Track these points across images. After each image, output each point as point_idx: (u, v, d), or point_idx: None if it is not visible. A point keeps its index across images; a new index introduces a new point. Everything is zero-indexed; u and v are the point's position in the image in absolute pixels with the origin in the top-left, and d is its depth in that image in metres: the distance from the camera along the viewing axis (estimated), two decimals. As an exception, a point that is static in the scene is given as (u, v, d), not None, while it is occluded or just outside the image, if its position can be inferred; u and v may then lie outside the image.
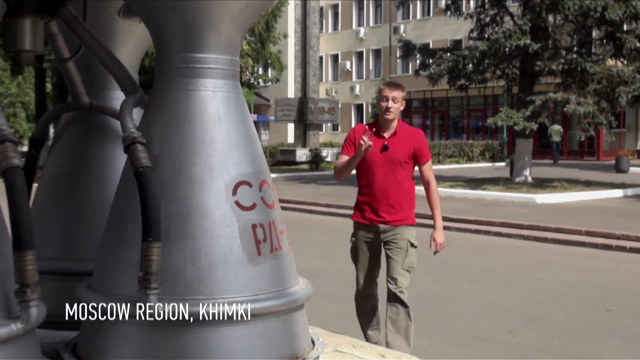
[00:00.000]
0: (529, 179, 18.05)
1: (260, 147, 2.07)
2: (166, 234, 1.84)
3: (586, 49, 19.12)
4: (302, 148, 27.68)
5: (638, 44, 17.21)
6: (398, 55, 32.82)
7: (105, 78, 2.23)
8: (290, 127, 38.18)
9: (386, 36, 42.68)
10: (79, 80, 2.44)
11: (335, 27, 47.15)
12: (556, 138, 30.37)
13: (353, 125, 35.70)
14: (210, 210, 1.88)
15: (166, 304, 1.79)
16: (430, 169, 4.77)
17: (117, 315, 1.86)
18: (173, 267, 1.83)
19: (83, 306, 1.99)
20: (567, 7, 16.35)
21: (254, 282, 1.88)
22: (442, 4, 26.24)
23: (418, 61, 20.29)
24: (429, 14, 41.22)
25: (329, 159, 27.43)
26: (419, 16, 41.88)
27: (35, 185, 2.67)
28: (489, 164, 30.39)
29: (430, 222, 4.82)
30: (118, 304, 1.86)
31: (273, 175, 23.72)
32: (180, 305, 1.81)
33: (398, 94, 4.61)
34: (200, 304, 1.82)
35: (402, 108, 4.66)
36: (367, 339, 4.64)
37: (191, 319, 1.81)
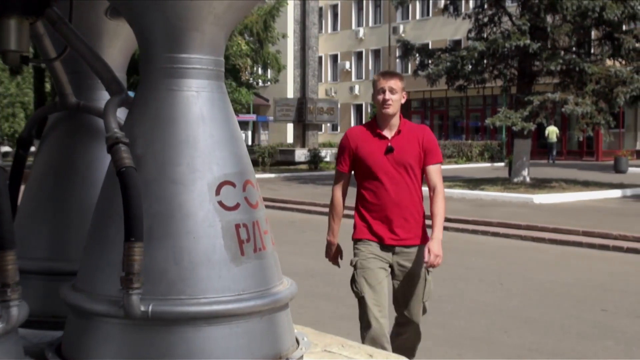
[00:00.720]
0: (528, 179, 18.06)
1: (245, 147, 2.07)
2: (149, 233, 1.84)
3: (584, 50, 19.12)
4: (301, 148, 27.70)
5: (636, 44, 17.22)
6: (397, 55, 32.84)
7: (93, 78, 2.23)
8: (290, 127, 38.20)
9: (385, 36, 42.69)
10: (66, 81, 2.44)
11: (334, 27, 47.18)
12: (552, 139, 30.87)
13: (352, 125, 35.59)
14: (194, 210, 1.88)
15: (149, 304, 1.79)
16: (439, 172, 3.95)
17: (101, 316, 1.87)
18: (156, 267, 1.84)
19: (70, 306, 1.99)
20: (565, 7, 16.37)
21: (237, 282, 1.88)
22: (442, 4, 26.23)
23: (417, 61, 20.31)
24: (428, 14, 41.24)
25: (328, 159, 27.44)
26: (418, 16, 41.90)
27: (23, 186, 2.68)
28: (488, 164, 30.41)
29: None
30: (101, 304, 1.86)
31: (272, 175, 23.75)
32: (163, 305, 1.81)
33: (396, 83, 3.85)
34: (183, 304, 1.82)
35: (403, 100, 3.89)
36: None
37: (174, 318, 1.81)
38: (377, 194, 3.83)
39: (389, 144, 3.84)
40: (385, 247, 3.87)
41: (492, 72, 18.87)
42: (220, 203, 1.90)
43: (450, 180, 19.41)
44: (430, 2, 40.45)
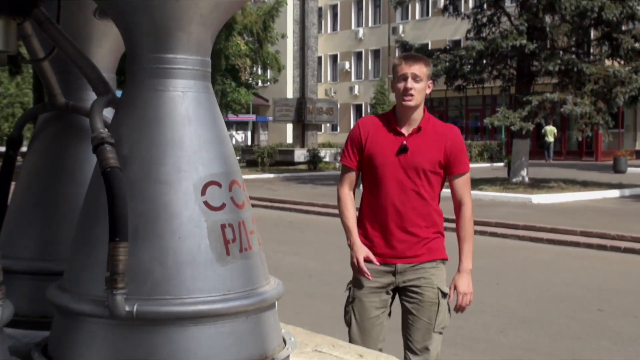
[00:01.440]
0: (526, 179, 18.07)
1: (232, 147, 2.07)
2: (134, 233, 1.85)
3: (583, 50, 19.14)
4: (300, 148, 27.71)
5: (635, 44, 17.23)
6: (396, 55, 32.85)
7: (82, 79, 2.23)
8: (289, 127, 38.21)
9: (385, 36, 42.71)
10: (55, 81, 2.45)
11: (334, 28, 47.21)
12: (550, 138, 31.29)
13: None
14: (179, 210, 1.88)
15: (134, 304, 1.80)
16: (468, 184, 3.30)
17: (86, 316, 1.87)
18: (141, 266, 1.84)
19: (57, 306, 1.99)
20: (563, 7, 16.38)
21: (222, 282, 1.88)
22: (441, 4, 26.26)
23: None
24: (427, 14, 41.26)
25: (327, 159, 27.46)
26: (417, 16, 41.93)
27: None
28: (488, 164, 30.42)
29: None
30: (86, 304, 1.86)
31: (271, 175, 23.76)
32: (148, 305, 1.81)
33: (420, 69, 3.18)
34: (168, 304, 1.82)
35: (428, 91, 3.25)
36: None
37: (159, 318, 1.82)
38: (380, 200, 3.21)
39: (404, 142, 3.20)
40: (387, 266, 3.24)
41: (490, 72, 18.90)
42: (206, 203, 1.90)
43: (449, 180, 19.37)
44: (430, 2, 40.48)
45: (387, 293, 3.28)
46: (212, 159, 1.94)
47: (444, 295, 3.24)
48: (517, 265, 9.01)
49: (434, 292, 3.22)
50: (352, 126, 4.38)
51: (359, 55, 45.65)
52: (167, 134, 1.92)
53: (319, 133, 31.03)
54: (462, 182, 3.26)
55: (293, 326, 3.00)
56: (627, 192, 17.11)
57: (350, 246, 3.25)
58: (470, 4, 31.40)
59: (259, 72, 37.53)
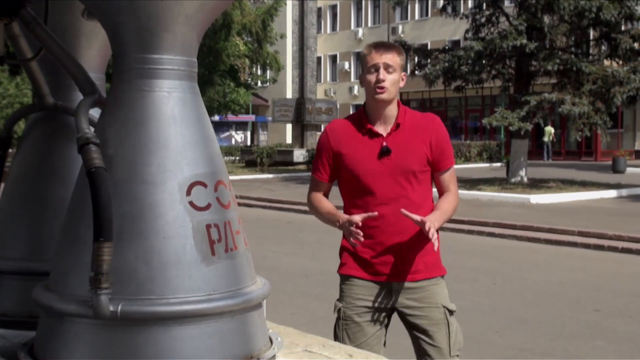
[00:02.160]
0: (525, 179, 18.08)
1: (218, 148, 2.07)
2: (119, 234, 1.85)
3: (582, 50, 19.16)
4: (299, 148, 27.72)
5: (633, 44, 17.26)
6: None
7: (71, 79, 2.23)
8: (289, 127, 38.22)
9: (384, 37, 42.66)
10: (43, 81, 2.45)
11: (333, 28, 47.22)
12: (545, 138, 31.63)
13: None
14: (164, 210, 1.88)
15: (118, 304, 1.80)
16: (454, 177, 3.03)
17: (71, 316, 1.87)
18: (125, 267, 1.84)
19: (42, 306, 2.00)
20: (562, 7, 16.40)
21: (207, 282, 1.88)
22: (440, 4, 26.25)
23: (415, 62, 20.35)
24: (427, 14, 41.28)
25: (326, 159, 27.39)
26: (417, 17, 41.94)
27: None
28: (487, 165, 30.43)
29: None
30: (71, 304, 1.86)
31: (270, 175, 23.76)
32: (132, 305, 1.81)
33: (393, 58, 2.83)
34: (153, 304, 1.82)
35: (402, 83, 2.90)
36: None
37: (143, 318, 1.82)
38: (369, 212, 2.82)
39: (384, 144, 2.85)
40: (381, 284, 2.92)
41: (489, 73, 18.92)
42: (191, 203, 1.90)
43: (448, 180, 19.39)
44: (429, 2, 40.49)
45: (383, 312, 2.96)
46: (197, 159, 1.94)
47: (451, 312, 2.96)
48: (514, 266, 9.01)
49: (439, 311, 2.93)
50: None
51: (358, 56, 45.58)
52: (152, 134, 1.92)
53: (318, 133, 31.04)
54: (449, 177, 2.99)
55: (284, 326, 2.99)
56: (624, 192, 17.13)
57: (339, 224, 2.89)
58: (469, 4, 31.43)
59: (259, 72, 37.55)
